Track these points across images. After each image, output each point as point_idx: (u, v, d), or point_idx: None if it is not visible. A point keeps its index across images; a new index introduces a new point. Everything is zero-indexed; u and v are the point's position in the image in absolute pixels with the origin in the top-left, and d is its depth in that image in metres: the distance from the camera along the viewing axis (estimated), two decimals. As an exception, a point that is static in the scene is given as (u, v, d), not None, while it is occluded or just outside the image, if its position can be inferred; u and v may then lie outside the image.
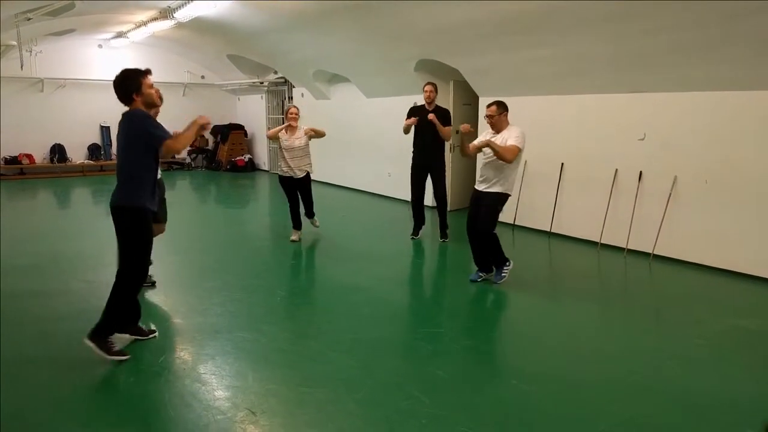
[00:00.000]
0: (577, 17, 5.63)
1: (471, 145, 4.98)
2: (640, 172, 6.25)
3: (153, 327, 4.03)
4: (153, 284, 5.01)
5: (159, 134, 3.44)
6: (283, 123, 6.58)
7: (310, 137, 6.49)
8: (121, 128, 3.51)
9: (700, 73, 5.44)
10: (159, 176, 4.80)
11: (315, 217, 6.97)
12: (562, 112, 7.00)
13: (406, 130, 6.56)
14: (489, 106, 4.99)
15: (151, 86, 3.55)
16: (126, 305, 3.64)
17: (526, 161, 7.35)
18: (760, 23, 4.60)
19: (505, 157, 4.73)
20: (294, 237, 6.74)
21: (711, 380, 3.44)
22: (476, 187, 5.12)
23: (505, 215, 7.65)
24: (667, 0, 4.82)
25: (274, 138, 6.43)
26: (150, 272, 4.97)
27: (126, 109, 3.52)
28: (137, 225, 3.51)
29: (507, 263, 5.21)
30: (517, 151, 4.77)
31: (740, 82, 5.25)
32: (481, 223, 5.01)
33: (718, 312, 4.65)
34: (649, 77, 5.88)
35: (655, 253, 6.11)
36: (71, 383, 3.30)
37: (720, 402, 3.18)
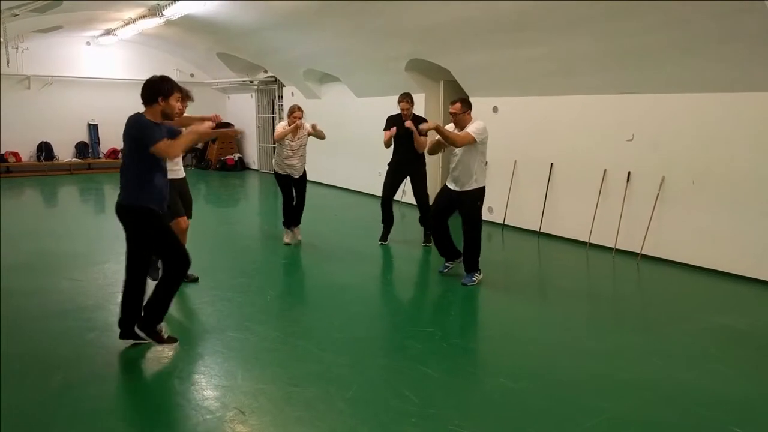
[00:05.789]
0: (568, 16, 5.66)
1: (423, 126, 5.02)
2: (629, 173, 6.30)
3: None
4: (196, 279, 5.12)
5: (149, 137, 3.38)
6: (279, 122, 6.46)
7: (309, 134, 6.37)
8: (124, 130, 3.52)
9: (689, 74, 5.49)
10: (183, 175, 4.94)
11: (299, 227, 6.64)
12: (551, 112, 7.03)
13: (387, 144, 6.35)
14: (453, 103, 4.98)
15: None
16: (172, 294, 3.68)
17: (516, 161, 7.41)
18: (749, 23, 4.63)
19: (455, 142, 4.79)
20: (287, 239, 6.56)
21: (699, 378, 3.47)
22: (449, 186, 5.09)
23: (495, 215, 7.72)
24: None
25: (281, 139, 6.23)
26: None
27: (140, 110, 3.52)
28: (141, 223, 3.53)
29: (479, 273, 5.17)
30: (468, 138, 4.76)
31: (728, 83, 5.30)
32: (468, 225, 5.04)
33: (706, 311, 4.70)
34: (638, 78, 5.92)
35: (643, 252, 6.16)
36: (58, 382, 3.27)
37: (708, 399, 3.21)
